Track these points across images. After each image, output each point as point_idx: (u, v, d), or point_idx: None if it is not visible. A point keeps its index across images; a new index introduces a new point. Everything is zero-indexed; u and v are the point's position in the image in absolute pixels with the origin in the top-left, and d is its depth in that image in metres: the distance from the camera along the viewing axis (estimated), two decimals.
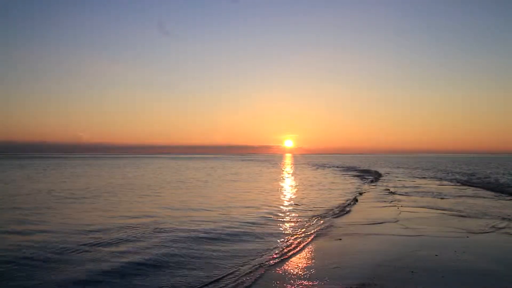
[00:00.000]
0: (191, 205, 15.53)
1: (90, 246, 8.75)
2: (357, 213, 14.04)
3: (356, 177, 34.28)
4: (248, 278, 6.75)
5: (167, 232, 10.17)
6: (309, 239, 9.69)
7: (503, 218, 12.79)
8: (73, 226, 10.95)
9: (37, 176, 33.64)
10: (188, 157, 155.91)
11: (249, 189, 22.57)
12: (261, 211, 14.22)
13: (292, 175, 38.42)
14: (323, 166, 63.83)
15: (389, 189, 22.86)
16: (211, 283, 6.51)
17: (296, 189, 23.24)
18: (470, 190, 22.57)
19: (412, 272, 7.03)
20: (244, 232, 10.49)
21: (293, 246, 9.00)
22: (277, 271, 7.16)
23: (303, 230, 10.84)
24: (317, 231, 10.68)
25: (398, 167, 56.57)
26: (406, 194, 20.52)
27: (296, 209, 14.87)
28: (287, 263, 7.70)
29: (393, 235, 10.37)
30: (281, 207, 15.42)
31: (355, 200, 17.66)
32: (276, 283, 6.55)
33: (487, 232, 10.60)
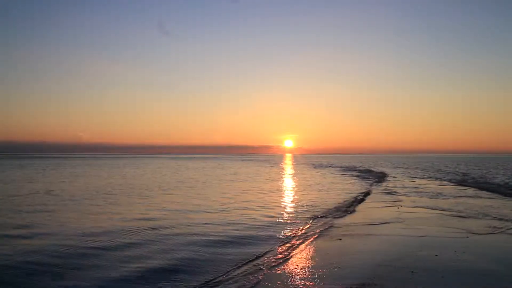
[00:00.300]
0: (191, 207, 15.35)
1: (95, 250, 8.56)
2: (357, 213, 14.04)
3: (355, 177, 34.29)
4: (248, 278, 6.74)
5: (171, 236, 9.89)
6: (309, 240, 9.69)
7: (503, 219, 12.79)
8: (74, 229, 10.73)
9: (36, 176, 33.64)
10: (188, 157, 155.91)
11: (249, 190, 22.57)
12: (260, 211, 14.22)
13: (291, 175, 38.43)
14: (323, 166, 63.84)
15: (388, 189, 22.86)
16: (213, 285, 6.51)
17: (295, 189, 23.24)
18: (470, 191, 22.57)
19: (412, 272, 7.02)
20: (244, 232, 10.48)
21: (293, 246, 9.00)
22: (278, 272, 7.16)
23: (303, 230, 10.84)
24: (317, 231, 10.67)
25: (397, 167, 56.59)
26: (406, 194, 20.52)
27: (296, 209, 14.86)
28: (287, 263, 7.69)
29: (393, 235, 10.37)
30: (281, 207, 15.42)
31: (355, 200, 17.66)
32: (277, 283, 6.54)
33: (487, 233, 10.60)
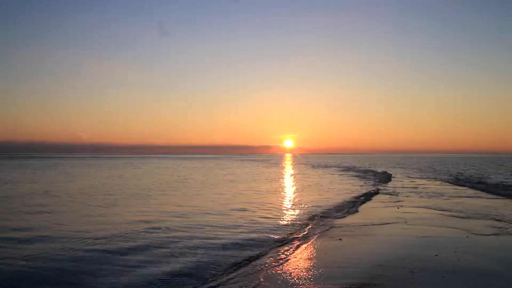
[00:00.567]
0: (190, 208, 15.09)
1: (98, 254, 8.26)
2: (357, 214, 14.04)
3: (355, 178, 34.29)
4: (249, 279, 6.75)
5: (174, 239, 9.57)
6: (310, 240, 9.70)
7: (503, 219, 12.80)
8: (74, 231, 10.38)
9: (35, 176, 33.64)
10: (187, 157, 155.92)
11: (248, 190, 22.56)
12: (260, 212, 14.23)
13: (291, 175, 38.43)
14: (322, 166, 63.85)
15: (388, 189, 22.86)
16: (215, 285, 6.51)
17: (295, 190, 23.24)
18: (469, 191, 22.58)
19: (412, 272, 7.03)
20: (244, 234, 10.48)
21: (293, 246, 9.00)
22: (278, 272, 7.16)
23: (303, 230, 10.84)
24: (317, 231, 10.68)
25: (397, 167, 56.59)
26: (406, 194, 20.53)
27: (295, 209, 14.87)
28: (287, 263, 7.70)
29: (393, 235, 10.38)
30: (281, 208, 15.43)
31: (354, 200, 17.67)
32: (277, 283, 6.54)
33: (487, 233, 10.60)
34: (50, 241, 9.35)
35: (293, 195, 20.02)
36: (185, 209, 14.79)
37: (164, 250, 8.63)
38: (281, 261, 7.80)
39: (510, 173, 39.48)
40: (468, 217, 13.03)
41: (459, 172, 41.60)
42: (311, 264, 7.64)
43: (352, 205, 15.89)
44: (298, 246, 9.01)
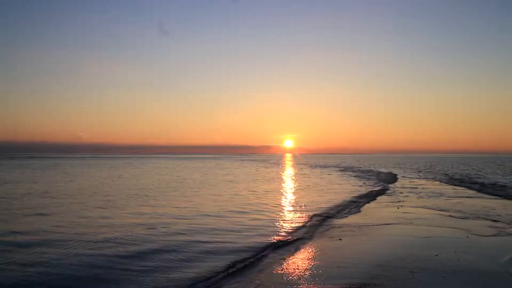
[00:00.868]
0: (189, 210, 14.93)
1: (108, 259, 7.77)
2: (357, 214, 14.05)
3: (355, 178, 34.29)
4: (250, 279, 6.75)
5: (181, 243, 9.11)
6: (310, 240, 9.70)
7: (502, 219, 12.81)
8: (77, 235, 9.90)
9: (34, 176, 33.63)
10: (187, 157, 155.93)
11: (248, 190, 22.56)
12: (260, 212, 14.22)
13: (291, 175, 38.42)
14: (322, 166, 63.85)
15: (388, 189, 22.86)
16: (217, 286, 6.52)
17: (295, 190, 23.24)
18: (469, 191, 22.59)
19: (412, 272, 7.03)
20: (245, 234, 10.48)
21: (293, 246, 9.00)
22: (278, 272, 7.17)
23: (303, 230, 10.84)
24: (317, 231, 10.68)
25: (396, 167, 56.58)
26: (405, 194, 20.54)
27: (295, 209, 14.86)
28: (287, 263, 7.71)
29: (393, 235, 10.39)
30: (280, 208, 15.42)
31: (354, 200, 17.67)
32: (277, 283, 6.55)
33: (487, 233, 10.61)
34: (51, 245, 8.94)
35: (293, 195, 20.01)
36: (185, 210, 14.52)
37: (166, 255, 8.15)
38: (281, 261, 7.81)
39: (509, 174, 39.48)
40: (468, 218, 13.04)
41: (458, 173, 41.60)
42: (311, 264, 7.64)
43: (352, 205, 15.89)
44: (298, 246, 9.01)
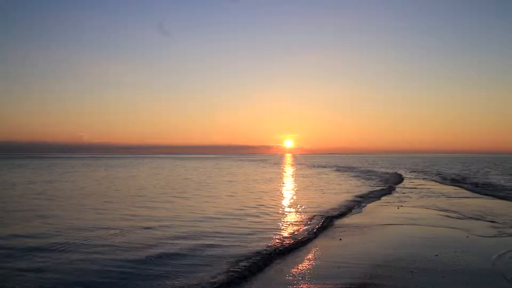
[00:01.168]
0: (188, 213, 14.68)
1: (122, 265, 7.35)
2: (357, 214, 14.05)
3: (354, 178, 34.29)
4: (249, 278, 6.75)
5: (189, 249, 8.59)
6: (310, 240, 9.70)
7: (502, 220, 12.82)
8: (86, 238, 9.45)
9: (33, 177, 33.63)
10: (187, 157, 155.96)
11: (248, 191, 22.56)
12: (260, 212, 14.22)
13: (291, 175, 38.42)
14: (322, 166, 63.85)
15: (388, 189, 22.87)
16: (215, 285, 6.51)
17: (295, 190, 23.24)
18: (468, 191, 22.60)
19: (412, 272, 7.04)
20: (247, 237, 10.47)
21: (293, 246, 9.00)
22: (278, 272, 7.17)
23: (303, 230, 10.84)
24: (317, 231, 10.68)
25: (397, 167, 56.59)
26: (405, 194, 20.55)
27: (295, 210, 14.87)
28: (287, 263, 7.70)
29: (393, 235, 10.39)
30: (280, 208, 15.43)
31: (354, 200, 17.66)
32: (278, 283, 6.55)
33: (487, 233, 10.62)
34: (61, 249, 8.51)
35: (293, 196, 20.01)
36: (185, 212, 14.30)
37: (170, 260, 7.78)
38: (281, 262, 7.81)
39: (508, 174, 39.48)
40: (468, 218, 13.04)
41: (457, 173, 41.61)
42: (311, 263, 7.65)
43: (352, 206, 15.88)
44: (298, 246, 9.01)
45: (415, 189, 23.27)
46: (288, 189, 23.74)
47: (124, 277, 6.82)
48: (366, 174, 39.82)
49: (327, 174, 39.52)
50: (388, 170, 46.80)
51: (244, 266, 7.39)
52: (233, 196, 19.20)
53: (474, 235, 10.27)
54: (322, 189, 22.99)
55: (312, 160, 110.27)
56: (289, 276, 6.91)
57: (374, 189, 22.78)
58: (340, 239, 9.78)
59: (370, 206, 16.07)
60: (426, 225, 11.76)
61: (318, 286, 6.39)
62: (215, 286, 6.36)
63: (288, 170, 49.87)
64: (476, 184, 26.38)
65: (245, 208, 15.00)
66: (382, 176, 35.26)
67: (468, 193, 21.16)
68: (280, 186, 25.73)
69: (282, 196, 19.45)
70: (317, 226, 11.33)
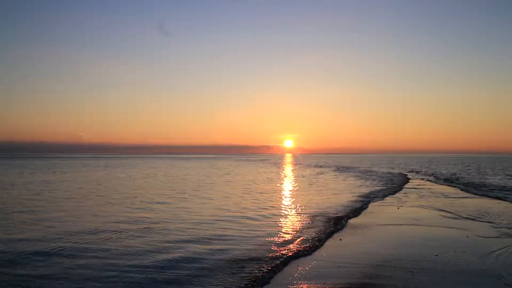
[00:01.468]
0: (191, 215, 14.59)
1: (123, 269, 7.08)
2: (357, 214, 14.03)
3: (354, 178, 34.29)
4: (251, 281, 6.75)
5: (197, 253, 8.27)
6: (310, 240, 9.69)
7: (501, 220, 12.82)
8: (82, 243, 9.00)
9: (32, 177, 33.61)
10: (187, 157, 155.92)
11: (247, 190, 22.56)
12: (260, 212, 14.22)
13: (290, 176, 38.41)
14: (322, 166, 63.86)
15: (387, 190, 22.86)
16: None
17: (294, 190, 23.23)
18: (468, 192, 22.60)
19: (412, 272, 7.04)
20: (244, 235, 10.48)
21: (293, 246, 9.00)
22: (279, 272, 7.17)
23: (302, 231, 10.84)
24: (317, 231, 10.67)
25: (397, 167, 56.59)
26: (405, 194, 20.54)
27: (295, 210, 14.86)
28: (287, 263, 7.70)
29: (393, 235, 10.39)
30: (281, 208, 15.42)
31: (354, 201, 17.65)
32: (277, 283, 6.55)
33: (487, 233, 10.62)
34: (61, 254, 8.14)
35: (293, 196, 20.00)
36: (188, 215, 14.00)
37: (185, 264, 7.47)
38: (281, 262, 7.80)
39: (507, 174, 39.48)
40: (467, 218, 13.04)
41: (457, 173, 41.61)
42: (311, 263, 7.65)
43: (352, 206, 15.87)
44: (298, 246, 9.01)
45: (415, 189, 23.26)
46: (288, 189, 23.73)
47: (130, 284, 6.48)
48: (365, 174, 39.82)
49: (327, 174, 39.51)
50: (388, 170, 46.80)
51: (252, 271, 7.39)
52: (233, 197, 19.18)
53: (474, 235, 10.27)
54: (322, 189, 22.96)
55: (312, 160, 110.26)
56: (290, 276, 6.91)
57: (374, 189, 22.78)
58: (340, 239, 9.78)
59: (370, 206, 16.05)
60: (426, 225, 11.77)
61: (318, 286, 6.39)
62: None
63: (288, 171, 49.86)
64: (475, 185, 26.38)
65: (246, 210, 14.89)
66: (383, 176, 35.26)
67: (468, 194, 21.15)
68: (281, 187, 25.72)
69: (282, 197, 19.43)
70: (316, 226, 11.31)
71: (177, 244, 9.03)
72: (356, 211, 14.45)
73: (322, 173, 41.41)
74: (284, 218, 12.90)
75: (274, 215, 13.42)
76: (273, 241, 9.53)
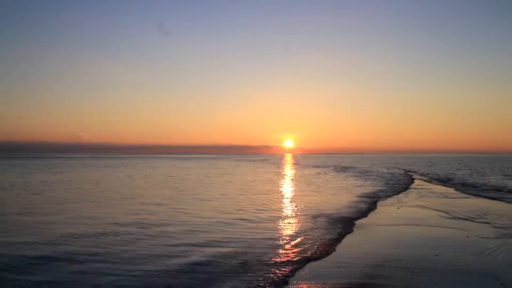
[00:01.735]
0: (195, 217, 14.63)
1: (138, 277, 6.67)
2: (357, 214, 14.02)
3: (354, 178, 34.29)
4: (248, 278, 6.75)
5: (203, 256, 8.71)
6: (309, 240, 9.69)
7: (501, 220, 12.82)
8: (84, 245, 9.14)
9: (31, 177, 33.61)
10: (187, 157, 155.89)
11: (247, 191, 22.56)
12: (260, 212, 14.22)
13: (290, 176, 38.41)
14: (322, 166, 63.85)
15: (387, 190, 22.86)
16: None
17: (294, 190, 23.23)
18: (468, 192, 22.61)
19: (412, 272, 7.04)
20: (244, 235, 10.47)
21: (293, 246, 9.00)
22: (279, 271, 7.16)
23: (302, 231, 10.83)
24: (316, 232, 10.67)
25: (395, 168, 56.59)
26: (405, 194, 20.54)
27: (294, 210, 14.86)
28: (287, 263, 7.70)
29: (393, 235, 10.39)
30: (280, 208, 15.42)
31: (354, 201, 17.65)
32: (277, 283, 6.55)
33: (487, 233, 10.62)
34: (62, 258, 7.83)
35: (292, 196, 20.00)
36: (185, 216, 13.90)
37: (204, 268, 7.20)
38: (281, 262, 7.80)
39: (506, 174, 39.48)
40: (467, 218, 13.04)
41: (456, 173, 41.60)
42: (311, 264, 7.64)
43: (352, 206, 15.87)
44: (298, 246, 9.01)
45: (414, 189, 23.26)
46: (288, 190, 23.73)
47: None
48: (365, 174, 39.82)
49: (327, 175, 39.51)
50: (388, 170, 46.81)
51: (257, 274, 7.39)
52: (233, 198, 19.18)
53: (474, 235, 10.27)
54: (322, 190, 22.96)
55: (312, 160, 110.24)
56: (290, 275, 6.91)
57: (372, 189, 22.77)
58: (341, 239, 9.77)
59: (370, 206, 16.05)
60: (426, 225, 11.76)
61: (318, 286, 6.39)
62: None
63: (288, 171, 49.86)
64: (474, 185, 26.38)
65: (247, 212, 14.85)
66: (382, 176, 35.27)
67: (467, 194, 21.14)
68: (281, 187, 25.73)
69: (282, 197, 19.42)
70: (316, 226, 11.31)
71: (178, 248, 8.79)
72: (355, 211, 14.43)
73: (322, 173, 41.38)
74: (286, 219, 12.90)
75: (275, 216, 13.42)
76: (276, 244, 9.53)
